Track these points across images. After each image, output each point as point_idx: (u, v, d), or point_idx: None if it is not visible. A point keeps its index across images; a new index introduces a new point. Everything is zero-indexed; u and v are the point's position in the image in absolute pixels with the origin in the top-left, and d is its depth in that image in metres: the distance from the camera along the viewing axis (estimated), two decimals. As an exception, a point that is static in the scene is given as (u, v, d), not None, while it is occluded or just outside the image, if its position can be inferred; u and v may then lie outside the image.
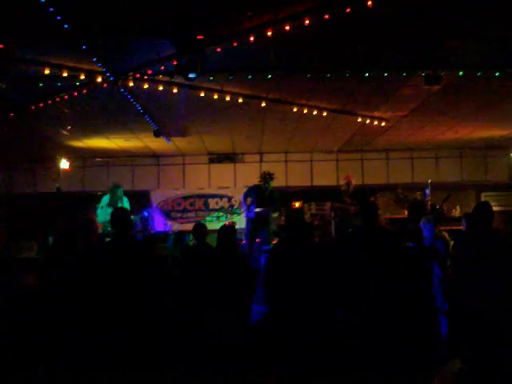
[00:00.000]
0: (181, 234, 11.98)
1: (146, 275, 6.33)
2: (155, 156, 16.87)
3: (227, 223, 13.52)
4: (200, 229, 8.68)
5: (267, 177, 12.78)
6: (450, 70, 9.23)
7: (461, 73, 9.34)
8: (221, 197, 17.03)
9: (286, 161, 16.74)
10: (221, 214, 16.99)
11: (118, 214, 6.82)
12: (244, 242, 12.86)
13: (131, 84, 9.58)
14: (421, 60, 9.03)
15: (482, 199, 16.02)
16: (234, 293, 6.72)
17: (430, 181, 13.06)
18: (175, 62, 8.20)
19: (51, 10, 6.76)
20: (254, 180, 13.21)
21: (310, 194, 15.50)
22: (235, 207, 16.86)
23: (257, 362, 6.45)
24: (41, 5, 6.56)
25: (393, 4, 7.01)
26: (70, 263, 6.61)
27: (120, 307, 6.04)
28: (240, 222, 15.59)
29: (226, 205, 17.00)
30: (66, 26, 7.19)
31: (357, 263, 6.53)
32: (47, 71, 8.74)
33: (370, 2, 6.92)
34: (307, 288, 6.30)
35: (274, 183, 13.02)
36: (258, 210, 12.59)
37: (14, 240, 14.14)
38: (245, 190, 13.64)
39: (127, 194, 13.08)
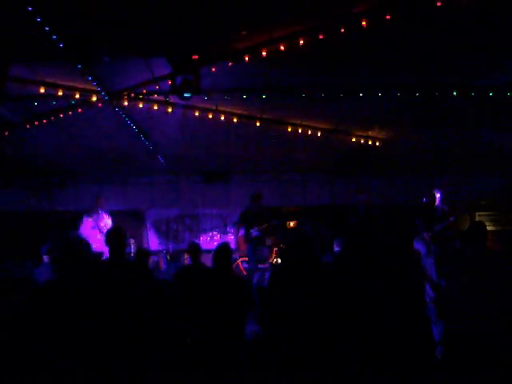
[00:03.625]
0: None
1: (143, 295, 6.27)
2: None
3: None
4: (194, 248, 8.68)
5: (254, 197, 12.85)
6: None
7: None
8: (215, 217, 17.00)
9: (279, 180, 16.69)
10: (214, 233, 16.95)
11: (113, 234, 6.77)
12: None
13: (126, 103, 9.59)
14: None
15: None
16: (230, 311, 6.69)
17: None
18: (170, 82, 8.21)
19: (46, 29, 6.77)
20: (248, 200, 13.22)
21: (304, 213, 15.49)
22: (229, 227, 16.82)
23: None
24: (36, 23, 6.57)
25: (388, 24, 7.04)
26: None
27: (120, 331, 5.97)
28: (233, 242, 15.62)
29: (220, 224, 16.96)
30: (60, 44, 7.19)
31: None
32: (42, 90, 8.76)
33: (364, 23, 6.98)
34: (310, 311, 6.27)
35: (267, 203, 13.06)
36: (254, 231, 12.61)
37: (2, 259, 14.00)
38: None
39: (120, 212, 13.05)
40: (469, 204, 16.46)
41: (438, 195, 9.51)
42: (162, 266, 14.28)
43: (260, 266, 12.33)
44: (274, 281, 6.67)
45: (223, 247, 7.31)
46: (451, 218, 8.76)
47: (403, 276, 7.39)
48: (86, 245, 6.30)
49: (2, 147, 12.15)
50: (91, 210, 12.27)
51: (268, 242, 13.55)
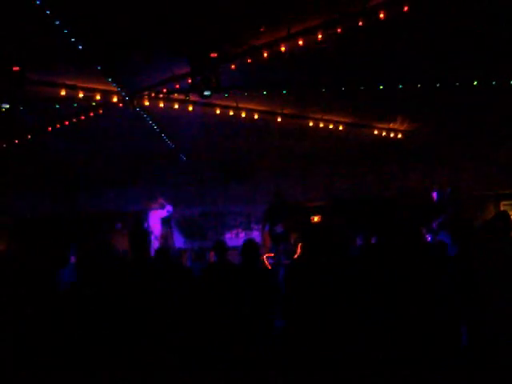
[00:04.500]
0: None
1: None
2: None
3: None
4: (220, 246, 8.68)
5: (276, 193, 12.85)
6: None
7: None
8: (239, 214, 16.99)
9: (304, 176, 16.63)
10: (239, 230, 16.95)
11: (138, 234, 6.79)
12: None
13: (147, 103, 9.62)
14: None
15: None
16: (257, 307, 6.70)
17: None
18: (190, 80, 8.23)
19: (65, 31, 6.83)
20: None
21: (328, 208, 15.42)
22: (253, 224, 16.80)
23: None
24: (55, 26, 6.62)
25: (405, 16, 7.01)
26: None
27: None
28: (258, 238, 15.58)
29: (245, 222, 16.95)
30: (80, 46, 7.25)
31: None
32: (63, 92, 8.82)
33: (382, 15, 6.95)
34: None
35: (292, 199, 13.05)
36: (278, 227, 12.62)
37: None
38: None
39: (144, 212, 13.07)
40: (493, 194, 16.35)
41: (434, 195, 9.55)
42: (187, 264, 14.30)
43: (285, 261, 12.31)
44: (291, 274, 6.69)
45: (249, 243, 7.32)
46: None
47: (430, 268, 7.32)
48: (110, 246, 6.35)
49: (26, 151, 12.22)
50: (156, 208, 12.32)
51: (293, 237, 13.52)
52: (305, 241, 7.51)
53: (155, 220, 12.30)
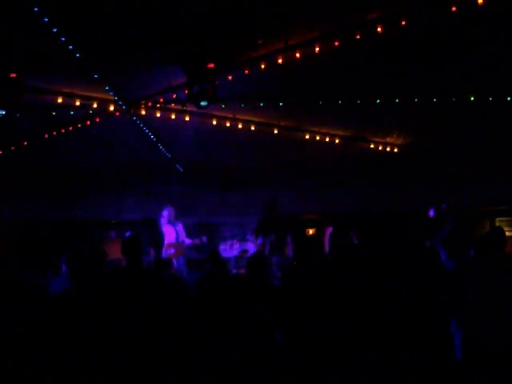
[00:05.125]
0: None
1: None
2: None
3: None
4: (214, 256, 8.65)
5: (268, 205, 12.84)
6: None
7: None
8: (234, 225, 16.95)
9: (298, 187, 16.59)
10: (234, 241, 16.89)
11: (130, 243, 6.76)
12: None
13: (143, 112, 9.62)
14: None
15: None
16: (257, 318, 6.68)
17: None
18: (187, 90, 8.23)
19: (63, 39, 6.83)
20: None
21: (323, 220, 15.40)
22: (248, 235, 16.75)
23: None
24: (52, 34, 6.63)
25: (402, 30, 7.03)
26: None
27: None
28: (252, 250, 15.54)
29: (239, 233, 16.90)
30: (77, 54, 7.25)
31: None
32: (60, 100, 8.81)
33: (379, 29, 6.96)
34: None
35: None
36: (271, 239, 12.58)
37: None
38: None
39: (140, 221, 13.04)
40: (488, 210, 16.36)
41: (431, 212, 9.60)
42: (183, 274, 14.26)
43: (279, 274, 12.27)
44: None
45: (256, 257, 7.39)
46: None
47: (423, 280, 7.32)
48: (101, 255, 6.34)
49: (24, 157, 12.21)
50: (169, 220, 12.15)
51: (288, 249, 13.46)
52: (298, 253, 7.55)
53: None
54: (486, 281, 6.23)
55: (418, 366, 6.08)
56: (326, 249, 9.63)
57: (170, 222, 12.06)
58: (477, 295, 6.23)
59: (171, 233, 11.98)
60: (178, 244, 11.87)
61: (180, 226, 12.17)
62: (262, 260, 7.32)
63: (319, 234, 13.63)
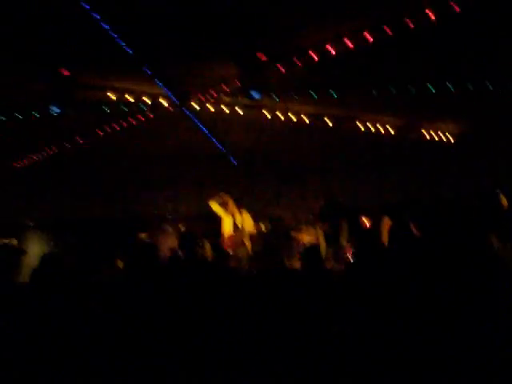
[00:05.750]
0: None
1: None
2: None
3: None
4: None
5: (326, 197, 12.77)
6: None
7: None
8: (291, 217, 16.83)
9: (354, 179, 16.42)
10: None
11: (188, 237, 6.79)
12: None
13: (196, 107, 9.62)
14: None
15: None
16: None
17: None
18: (238, 83, 8.20)
19: (115, 36, 6.86)
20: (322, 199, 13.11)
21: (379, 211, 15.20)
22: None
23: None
24: (104, 31, 6.66)
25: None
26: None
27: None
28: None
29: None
30: (130, 51, 7.28)
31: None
32: (113, 96, 8.87)
33: (433, 18, 6.82)
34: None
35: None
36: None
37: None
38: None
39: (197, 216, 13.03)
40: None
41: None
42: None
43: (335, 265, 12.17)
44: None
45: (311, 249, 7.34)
46: None
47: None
48: (153, 248, 6.38)
49: (78, 155, 12.35)
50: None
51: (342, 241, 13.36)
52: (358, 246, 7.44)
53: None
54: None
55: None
56: (385, 241, 9.46)
57: (228, 212, 11.99)
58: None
59: (228, 223, 11.92)
60: (236, 235, 11.76)
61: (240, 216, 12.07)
62: (317, 253, 7.24)
63: (376, 226, 13.42)
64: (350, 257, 12.68)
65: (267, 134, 11.84)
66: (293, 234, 15.09)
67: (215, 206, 12.16)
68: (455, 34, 7.52)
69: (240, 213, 11.95)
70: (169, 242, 11.02)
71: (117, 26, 6.75)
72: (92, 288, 6.41)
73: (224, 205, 12.12)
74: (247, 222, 11.80)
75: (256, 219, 12.61)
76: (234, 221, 11.95)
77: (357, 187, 16.17)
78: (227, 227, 11.90)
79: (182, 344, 5.72)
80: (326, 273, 7.53)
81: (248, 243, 11.53)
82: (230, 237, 11.77)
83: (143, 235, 12.26)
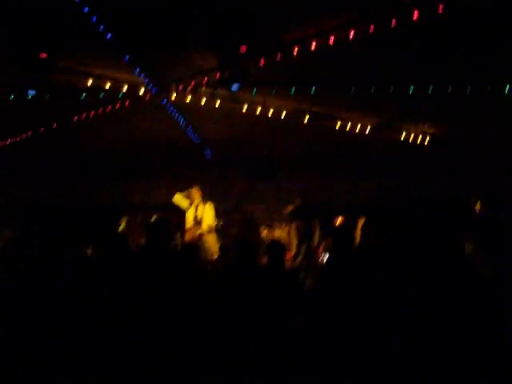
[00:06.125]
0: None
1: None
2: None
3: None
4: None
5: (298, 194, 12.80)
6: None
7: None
8: (262, 212, 16.81)
9: (327, 176, 16.41)
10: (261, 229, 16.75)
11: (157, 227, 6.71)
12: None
13: (174, 96, 9.54)
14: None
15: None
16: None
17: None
18: (218, 74, 8.14)
19: (94, 20, 6.76)
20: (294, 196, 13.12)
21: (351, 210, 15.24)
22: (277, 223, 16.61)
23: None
24: (84, 15, 6.56)
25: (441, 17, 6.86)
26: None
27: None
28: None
29: (267, 219, 16.75)
30: (108, 36, 7.19)
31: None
32: (90, 82, 8.77)
33: (415, 16, 6.80)
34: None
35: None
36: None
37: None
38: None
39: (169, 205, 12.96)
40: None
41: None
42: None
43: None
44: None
45: (275, 244, 7.27)
46: None
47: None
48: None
49: (50, 140, 12.19)
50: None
51: (315, 239, 13.39)
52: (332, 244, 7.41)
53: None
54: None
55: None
56: (357, 241, 9.48)
57: (192, 204, 11.94)
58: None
59: (191, 216, 11.89)
60: (194, 228, 11.70)
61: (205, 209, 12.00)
62: (281, 249, 7.20)
63: (350, 226, 13.44)
64: (321, 254, 12.70)
65: (243, 127, 11.80)
66: (264, 229, 15.14)
67: (179, 198, 12.09)
68: (436, 34, 7.53)
69: (204, 206, 11.86)
70: (138, 233, 10.93)
71: (98, 9, 6.66)
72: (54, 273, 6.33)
73: (190, 197, 12.04)
74: (208, 216, 11.70)
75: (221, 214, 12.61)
76: (195, 214, 11.87)
77: (332, 186, 16.20)
78: (189, 220, 11.85)
79: (151, 337, 5.67)
80: (287, 268, 7.52)
81: (207, 237, 11.53)
82: (188, 230, 11.72)
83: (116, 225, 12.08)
